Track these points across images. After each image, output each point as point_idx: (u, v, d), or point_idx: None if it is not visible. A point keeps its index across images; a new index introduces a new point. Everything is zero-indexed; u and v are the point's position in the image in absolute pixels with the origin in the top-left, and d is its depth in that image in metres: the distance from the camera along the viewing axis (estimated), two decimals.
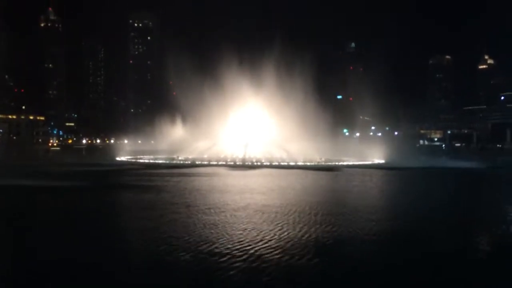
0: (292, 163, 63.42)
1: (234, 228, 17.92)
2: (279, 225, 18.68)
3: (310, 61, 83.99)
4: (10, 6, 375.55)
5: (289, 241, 15.88)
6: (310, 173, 49.98)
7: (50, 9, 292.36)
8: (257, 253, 14.24)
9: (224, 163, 64.34)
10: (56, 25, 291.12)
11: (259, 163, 63.93)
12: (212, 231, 17.41)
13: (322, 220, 20.00)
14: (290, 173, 49.80)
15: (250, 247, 14.93)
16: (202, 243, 15.44)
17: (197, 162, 64.47)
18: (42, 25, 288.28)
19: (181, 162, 66.39)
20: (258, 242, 15.65)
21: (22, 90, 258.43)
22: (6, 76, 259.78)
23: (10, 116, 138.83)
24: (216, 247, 14.90)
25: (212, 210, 22.24)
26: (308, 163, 63.73)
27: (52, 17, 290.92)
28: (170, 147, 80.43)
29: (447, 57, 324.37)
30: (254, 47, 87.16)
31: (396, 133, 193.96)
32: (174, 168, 55.43)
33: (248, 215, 20.87)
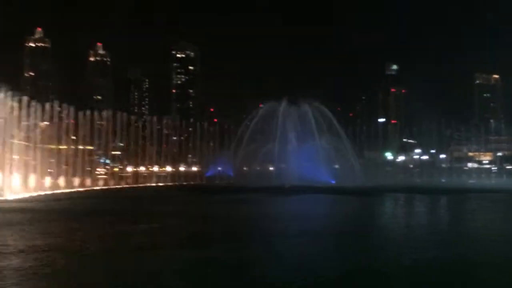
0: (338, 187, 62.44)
1: None
2: None
3: (350, 85, 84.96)
4: (63, 44, 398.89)
5: None
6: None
7: (99, 44, 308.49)
8: None
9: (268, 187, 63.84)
10: (104, 59, 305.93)
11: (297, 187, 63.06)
12: None
13: None
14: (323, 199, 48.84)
15: None
16: None
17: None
18: (92, 59, 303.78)
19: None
20: None
21: (73, 121, 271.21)
22: (58, 108, 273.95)
23: (61, 147, 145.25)
24: None
25: None
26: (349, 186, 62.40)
27: (100, 52, 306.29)
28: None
29: (495, 76, 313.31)
30: (297, 76, 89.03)
31: (442, 156, 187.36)
32: None
33: None
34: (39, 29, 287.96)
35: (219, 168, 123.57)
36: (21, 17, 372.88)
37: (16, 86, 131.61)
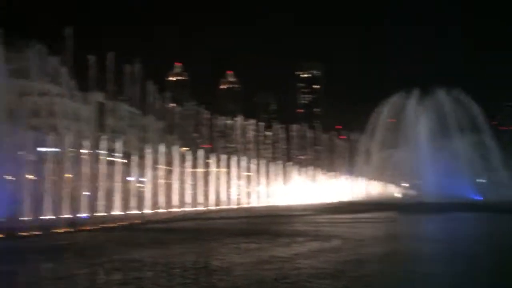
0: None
1: None
2: None
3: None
4: (198, 75, 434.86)
5: None
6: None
7: (229, 72, 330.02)
8: None
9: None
10: (234, 86, 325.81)
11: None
12: None
13: None
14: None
15: None
16: None
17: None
18: (223, 87, 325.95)
19: None
20: None
21: (208, 146, 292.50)
22: (195, 135, 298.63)
23: (198, 170, 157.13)
24: None
25: None
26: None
27: (231, 79, 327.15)
28: None
29: None
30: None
31: None
32: None
33: None
34: (178, 64, 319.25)
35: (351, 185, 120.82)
36: (162, 54, 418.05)
37: (161, 116, 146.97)
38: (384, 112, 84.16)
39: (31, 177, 57.46)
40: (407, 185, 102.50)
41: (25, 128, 49.67)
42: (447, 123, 75.15)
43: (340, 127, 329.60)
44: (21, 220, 34.20)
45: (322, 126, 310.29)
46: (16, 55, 55.04)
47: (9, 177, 49.81)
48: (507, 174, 76.44)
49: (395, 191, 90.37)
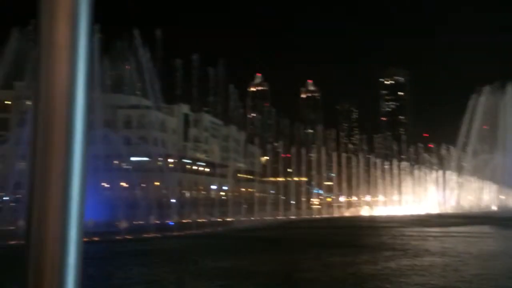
0: None
1: None
2: None
3: None
4: (278, 85, 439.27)
5: None
6: None
7: (309, 81, 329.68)
8: None
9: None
10: (315, 95, 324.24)
11: None
12: None
13: None
14: None
15: None
16: None
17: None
18: (303, 96, 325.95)
19: None
20: None
21: (289, 155, 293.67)
22: (276, 144, 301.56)
23: (279, 179, 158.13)
24: None
25: None
26: None
27: (311, 88, 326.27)
28: None
29: None
30: None
31: None
32: None
33: None
34: (258, 75, 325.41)
35: (437, 197, 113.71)
36: (244, 66, 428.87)
37: (243, 126, 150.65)
38: (479, 110, 77.36)
39: (124, 184, 61.42)
40: (504, 197, 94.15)
41: (119, 138, 53.11)
42: None
43: (427, 135, 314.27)
44: (115, 224, 36.45)
45: (407, 135, 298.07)
46: (111, 71, 59.37)
47: (105, 184, 53.61)
48: None
49: (491, 203, 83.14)
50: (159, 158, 66.74)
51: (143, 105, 71.72)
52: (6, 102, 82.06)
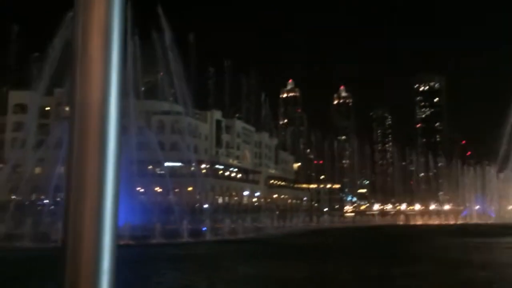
0: None
1: None
2: None
3: None
4: (310, 91, 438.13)
5: None
6: None
7: (342, 87, 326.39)
8: None
9: None
10: (347, 101, 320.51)
11: None
12: None
13: None
14: None
15: None
16: None
17: None
18: (335, 102, 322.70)
19: None
20: None
21: (321, 162, 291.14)
22: (308, 150, 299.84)
23: (311, 186, 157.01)
24: None
25: None
26: None
27: (343, 94, 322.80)
28: None
29: None
30: None
31: None
32: None
33: None
34: (290, 81, 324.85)
35: (478, 207, 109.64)
36: (277, 73, 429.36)
37: (274, 132, 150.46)
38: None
39: (158, 189, 62.26)
40: None
41: (154, 143, 53.89)
42: None
43: (465, 141, 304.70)
44: (150, 228, 36.86)
45: (443, 142, 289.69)
46: (145, 78, 60.50)
47: (140, 189, 54.48)
48: None
49: None
50: (192, 164, 67.27)
51: (175, 111, 72.56)
52: (46, 108, 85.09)
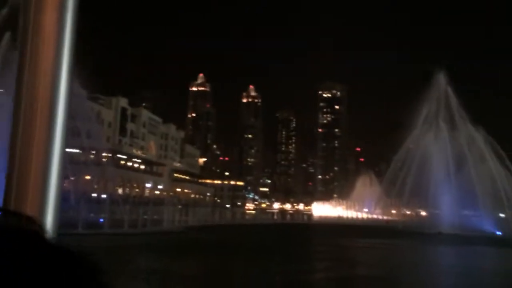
0: None
1: None
2: None
3: None
4: (220, 87, 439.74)
5: None
6: None
7: (251, 86, 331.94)
8: None
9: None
10: (256, 100, 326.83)
11: None
12: None
13: None
14: None
15: None
16: None
17: None
18: (244, 100, 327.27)
19: None
20: None
21: (227, 158, 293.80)
22: (215, 146, 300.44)
23: (215, 181, 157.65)
24: None
25: None
26: None
27: (252, 93, 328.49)
28: None
29: None
30: None
31: None
32: None
33: None
34: (201, 75, 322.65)
35: (365, 210, 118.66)
36: (187, 65, 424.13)
37: (181, 125, 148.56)
38: (406, 145, 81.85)
39: None
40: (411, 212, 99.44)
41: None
42: (465, 154, 73.43)
43: (359, 149, 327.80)
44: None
45: (341, 148, 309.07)
46: None
47: None
48: None
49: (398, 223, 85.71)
50: (92, 151, 63.51)
51: (76, 94, 67.81)
52: None
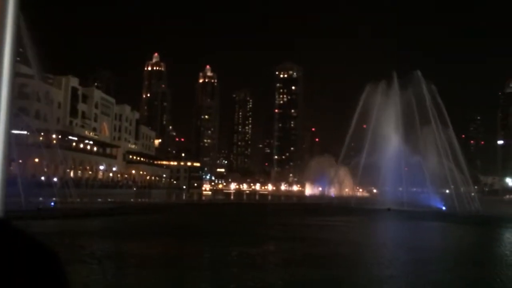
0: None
1: None
2: None
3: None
4: (176, 67, 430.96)
5: None
6: None
7: (208, 66, 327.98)
8: None
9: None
10: (212, 81, 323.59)
11: None
12: None
13: None
14: None
15: None
16: None
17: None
18: (201, 81, 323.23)
19: None
20: None
21: (183, 139, 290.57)
22: (170, 127, 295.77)
23: (172, 163, 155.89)
24: None
25: None
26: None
27: (209, 74, 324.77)
28: None
29: None
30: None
31: None
32: None
33: None
34: (156, 54, 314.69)
35: (320, 189, 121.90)
36: (143, 44, 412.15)
37: (136, 106, 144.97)
38: (355, 115, 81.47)
39: None
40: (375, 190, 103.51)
41: None
42: (415, 123, 74.22)
43: (314, 129, 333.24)
44: None
45: (297, 128, 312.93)
46: None
47: None
48: (472, 187, 78.34)
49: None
50: (41, 133, 61.03)
51: (23, 73, 64.49)
52: None
